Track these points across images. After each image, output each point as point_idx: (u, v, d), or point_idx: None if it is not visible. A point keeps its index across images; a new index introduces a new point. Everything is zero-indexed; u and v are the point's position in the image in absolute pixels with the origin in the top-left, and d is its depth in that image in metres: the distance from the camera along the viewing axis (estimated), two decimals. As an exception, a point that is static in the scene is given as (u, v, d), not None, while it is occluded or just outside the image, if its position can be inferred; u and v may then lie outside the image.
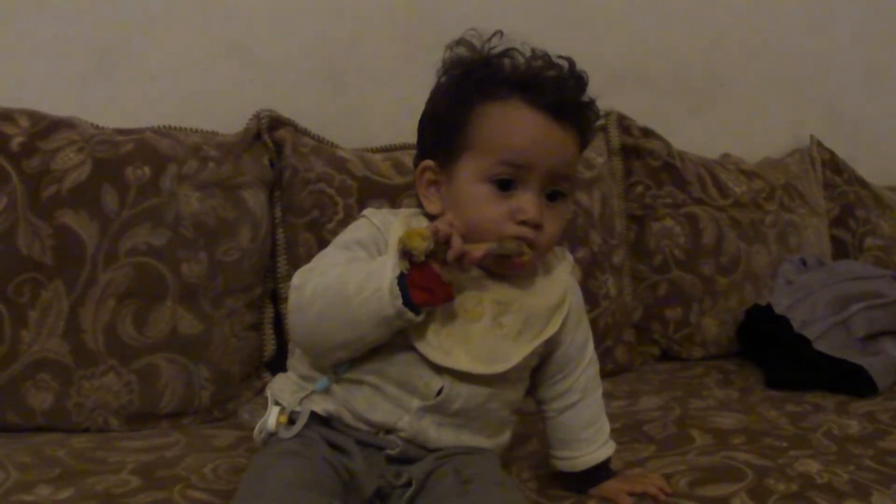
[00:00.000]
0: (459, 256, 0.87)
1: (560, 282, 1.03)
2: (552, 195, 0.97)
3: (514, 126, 0.94)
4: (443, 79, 1.01)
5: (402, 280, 0.86)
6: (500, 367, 0.95)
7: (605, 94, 1.87)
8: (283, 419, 0.95)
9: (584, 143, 1.01)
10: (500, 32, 0.99)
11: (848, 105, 2.47)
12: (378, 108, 1.72)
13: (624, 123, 1.91)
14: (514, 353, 0.96)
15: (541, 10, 1.90)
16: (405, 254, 0.87)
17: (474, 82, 0.97)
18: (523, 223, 0.94)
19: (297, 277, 0.94)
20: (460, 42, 1.01)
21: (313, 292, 0.91)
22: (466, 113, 0.96)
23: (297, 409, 0.96)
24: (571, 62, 0.99)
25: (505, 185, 0.94)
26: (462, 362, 0.93)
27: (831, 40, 2.42)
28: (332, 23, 1.71)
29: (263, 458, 0.93)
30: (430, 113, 1.02)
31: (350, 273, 0.90)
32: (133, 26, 1.55)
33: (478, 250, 0.89)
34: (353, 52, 1.73)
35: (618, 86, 1.99)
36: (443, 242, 0.87)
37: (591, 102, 1.00)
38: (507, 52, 0.98)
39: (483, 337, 0.95)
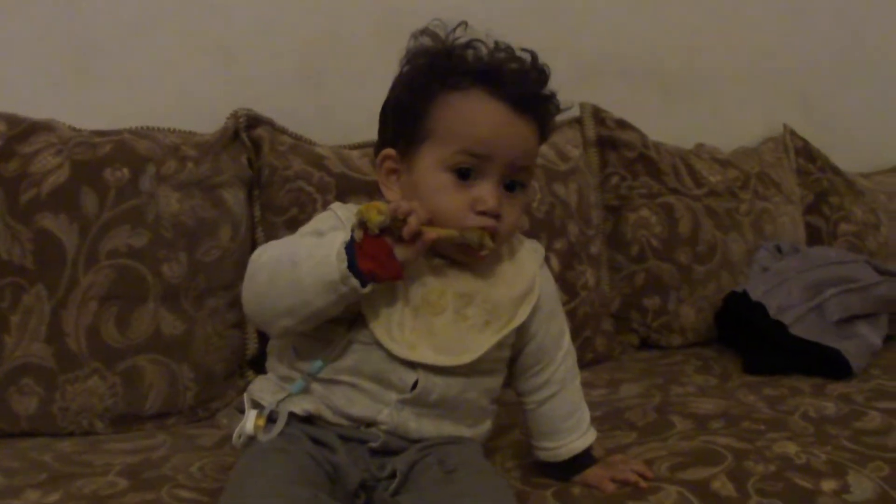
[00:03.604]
0: (415, 235, 0.88)
1: (527, 271, 1.03)
2: (510, 185, 0.98)
3: (476, 116, 0.95)
4: (405, 68, 1.01)
5: (352, 248, 0.87)
6: (465, 358, 0.96)
7: (581, 86, 1.93)
8: (261, 422, 0.95)
9: (543, 135, 1.01)
10: (464, 23, 0.99)
11: (820, 94, 2.50)
12: (355, 105, 1.71)
13: (599, 115, 1.93)
14: (480, 344, 0.97)
15: (517, 4, 1.91)
16: (361, 224, 0.87)
17: (437, 72, 0.97)
18: (483, 213, 0.94)
19: (255, 251, 0.95)
20: (424, 32, 1.01)
21: (267, 260, 0.92)
22: (428, 102, 0.96)
23: (276, 408, 0.96)
24: (534, 55, 1.00)
25: (464, 175, 0.95)
26: (427, 356, 0.94)
27: (804, 31, 2.46)
28: (309, 21, 1.72)
29: (249, 457, 0.93)
30: (392, 101, 1.02)
31: (303, 242, 0.92)
32: (110, 28, 1.55)
33: (434, 232, 0.90)
34: (329, 49, 1.73)
35: (594, 78, 2.01)
36: (401, 220, 0.87)
37: (553, 95, 1.00)
38: (470, 44, 0.99)
39: (447, 329, 0.96)
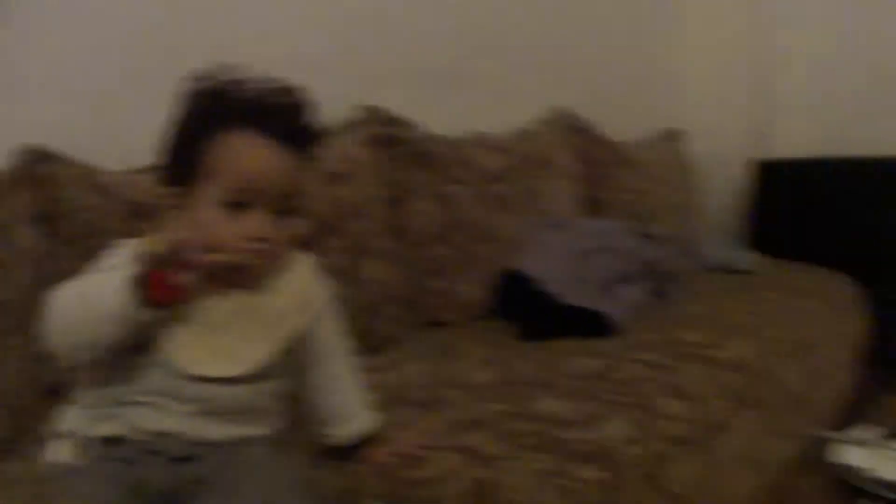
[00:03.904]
0: (190, 262, 0.96)
1: (301, 283, 1.14)
2: (281, 211, 1.07)
3: (243, 154, 1.04)
4: (181, 111, 1.08)
5: (136, 279, 0.94)
6: (244, 368, 1.06)
7: (368, 91, 1.98)
8: (71, 450, 1.03)
9: (309, 161, 1.10)
10: (234, 65, 1.07)
11: (589, 71, 2.73)
12: (142, 129, 1.72)
13: (377, 115, 1.98)
14: (259, 353, 1.07)
15: (308, 33, 1.94)
16: (144, 256, 0.95)
17: (207, 115, 1.05)
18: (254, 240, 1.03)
19: (50, 292, 1.00)
20: (197, 75, 1.08)
21: (60, 300, 0.98)
22: (200, 144, 1.04)
23: (86, 435, 1.03)
24: (298, 89, 1.08)
25: (238, 206, 1.03)
26: (210, 369, 1.04)
27: (566, 15, 2.67)
28: (95, 52, 1.72)
29: (60, 485, 1.00)
30: (170, 143, 1.09)
31: (92, 280, 0.99)
32: None
33: (208, 258, 0.99)
34: (114, 77, 1.74)
35: (376, 83, 2.06)
36: (181, 249, 0.96)
37: (315, 126, 1.10)
38: (238, 83, 1.06)
39: (227, 343, 1.06)
